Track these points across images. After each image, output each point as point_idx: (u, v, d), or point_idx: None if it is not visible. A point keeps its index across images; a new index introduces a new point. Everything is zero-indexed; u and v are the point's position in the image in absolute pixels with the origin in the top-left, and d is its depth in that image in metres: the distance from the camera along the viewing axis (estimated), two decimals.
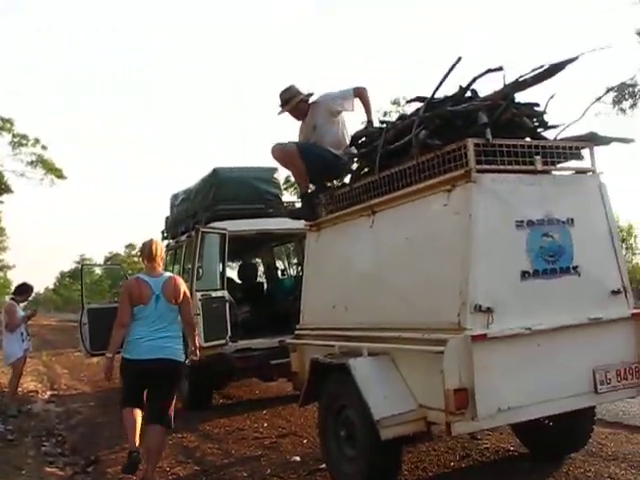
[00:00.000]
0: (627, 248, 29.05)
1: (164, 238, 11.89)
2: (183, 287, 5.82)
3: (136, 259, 55.83)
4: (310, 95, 6.35)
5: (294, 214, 6.68)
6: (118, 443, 7.46)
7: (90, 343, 10.67)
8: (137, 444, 5.49)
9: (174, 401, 5.75)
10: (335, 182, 6.41)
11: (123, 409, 5.63)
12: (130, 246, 58.15)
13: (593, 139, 4.90)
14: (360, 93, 6.14)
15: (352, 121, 6.57)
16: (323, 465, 5.55)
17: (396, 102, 24.81)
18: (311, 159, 5.99)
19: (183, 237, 10.36)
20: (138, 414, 5.59)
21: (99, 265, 51.79)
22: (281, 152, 6.10)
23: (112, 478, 6.09)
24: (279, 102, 6.38)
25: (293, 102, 6.30)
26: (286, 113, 6.38)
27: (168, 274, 5.99)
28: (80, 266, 28.14)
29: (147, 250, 5.85)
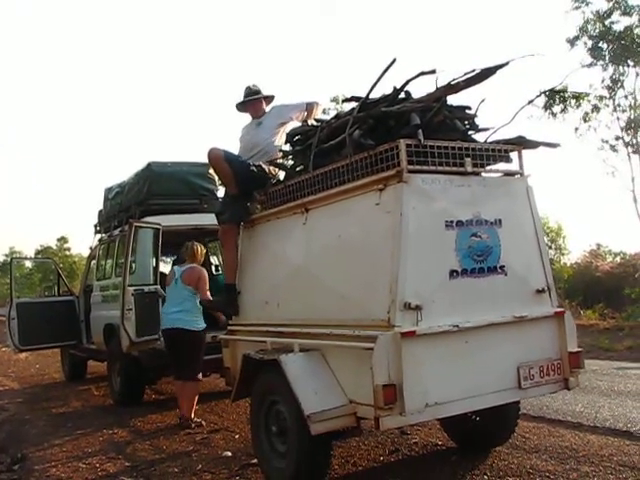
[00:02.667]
0: (556, 249, 29.75)
1: (97, 232, 11.73)
2: (197, 274, 7.64)
3: (68, 252, 54.69)
4: (268, 96, 6.61)
5: (224, 219, 6.54)
6: (46, 440, 7.39)
7: (19, 338, 10.50)
8: (183, 412, 7.58)
9: (194, 360, 7.60)
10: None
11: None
12: (62, 239, 56.72)
13: (521, 143, 5.03)
14: (311, 109, 6.40)
15: None
16: (254, 460, 5.59)
17: (335, 100, 24.92)
18: (235, 165, 6.00)
19: (116, 231, 10.24)
20: (180, 386, 7.70)
21: (29, 258, 50.50)
22: (209, 154, 6.09)
23: (39, 476, 6.00)
24: (247, 92, 6.56)
25: (260, 95, 6.54)
26: (245, 105, 6.60)
27: (190, 265, 7.77)
28: (9, 259, 27.37)
29: (184, 250, 7.99)
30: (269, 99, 6.62)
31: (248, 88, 6.56)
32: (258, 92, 6.55)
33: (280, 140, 6.23)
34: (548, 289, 4.92)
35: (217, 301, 7.06)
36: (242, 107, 6.63)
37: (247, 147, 6.30)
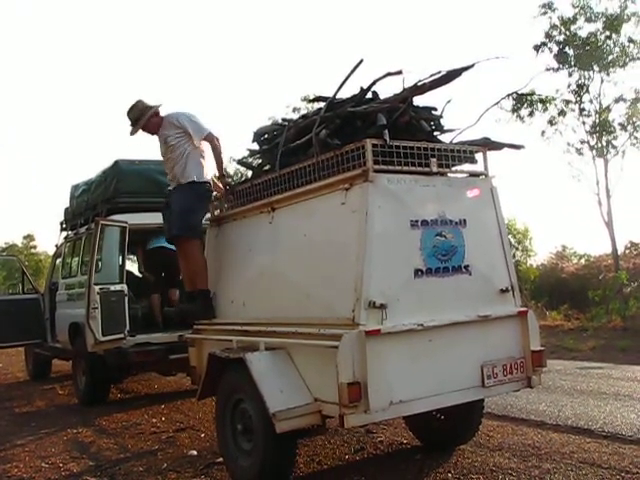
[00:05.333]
0: (523, 250, 30.02)
1: (63, 230, 11.61)
2: None
3: (34, 250, 53.92)
4: (159, 106, 6.26)
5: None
6: (8, 440, 7.33)
7: None
8: None
9: None
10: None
11: None
12: (28, 237, 55.79)
13: (486, 144, 5.10)
14: (210, 140, 6.09)
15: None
16: (220, 459, 5.58)
17: (305, 99, 24.94)
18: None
19: (82, 229, 10.15)
20: None
21: None
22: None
23: (0, 476, 5.92)
24: (129, 122, 6.25)
25: (144, 119, 6.20)
26: (140, 131, 6.29)
27: None
28: None
29: None
30: (156, 110, 6.24)
31: (130, 112, 6.22)
32: (143, 111, 6.19)
33: (190, 143, 6.05)
34: (512, 289, 4.99)
35: (190, 308, 6.37)
36: (136, 130, 6.29)
37: (169, 168, 6.21)
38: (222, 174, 6.12)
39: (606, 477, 4.84)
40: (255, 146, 5.96)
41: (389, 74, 4.72)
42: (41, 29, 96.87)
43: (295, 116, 6.25)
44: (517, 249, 27.58)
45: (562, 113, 20.09)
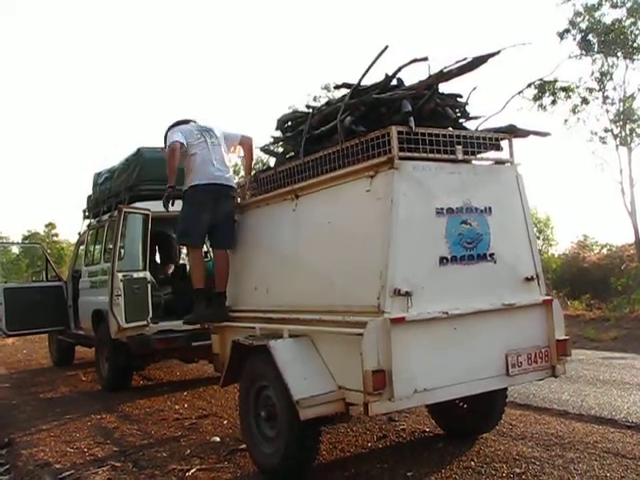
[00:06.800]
0: (544, 239, 29.86)
1: (86, 217, 11.69)
2: None
3: (56, 238, 54.30)
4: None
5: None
6: (34, 425, 7.40)
7: (6, 323, 10.49)
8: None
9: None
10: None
11: None
12: (50, 225, 56.12)
13: (512, 131, 5.05)
14: (244, 142, 6.34)
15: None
16: (243, 445, 5.60)
17: (326, 87, 24.96)
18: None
19: (105, 217, 10.22)
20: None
21: (16, 243, 50.04)
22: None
23: (27, 460, 6.00)
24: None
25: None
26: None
27: None
28: None
29: None
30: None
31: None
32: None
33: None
34: (537, 277, 4.95)
35: (206, 314, 6.29)
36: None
37: None
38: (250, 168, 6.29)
39: (630, 467, 4.81)
40: (278, 133, 5.95)
41: (414, 61, 4.67)
42: (63, 26, 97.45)
43: (316, 104, 6.21)
44: (539, 238, 27.47)
45: (585, 101, 19.91)
